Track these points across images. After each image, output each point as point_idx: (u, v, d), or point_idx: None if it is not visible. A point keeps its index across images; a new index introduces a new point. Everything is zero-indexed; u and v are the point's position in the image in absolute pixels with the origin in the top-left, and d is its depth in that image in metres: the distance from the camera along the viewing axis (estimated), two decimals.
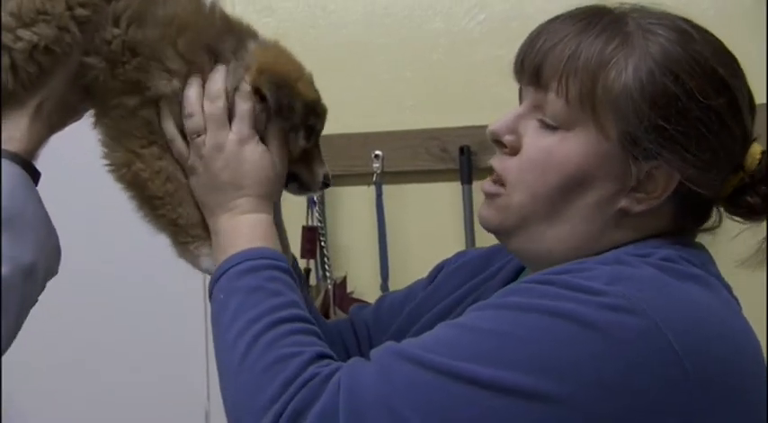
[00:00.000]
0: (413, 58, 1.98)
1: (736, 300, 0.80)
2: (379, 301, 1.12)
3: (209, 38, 0.85)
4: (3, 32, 0.76)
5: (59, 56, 0.79)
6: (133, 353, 2.13)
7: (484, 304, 0.74)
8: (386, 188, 1.93)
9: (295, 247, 1.83)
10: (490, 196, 0.83)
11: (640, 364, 0.65)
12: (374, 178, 1.92)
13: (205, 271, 0.86)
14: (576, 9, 0.80)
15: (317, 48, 1.96)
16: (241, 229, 0.83)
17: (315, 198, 1.86)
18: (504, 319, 0.69)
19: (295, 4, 2.04)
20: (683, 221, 0.81)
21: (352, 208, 1.96)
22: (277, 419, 0.67)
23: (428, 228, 1.90)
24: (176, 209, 0.84)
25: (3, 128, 0.77)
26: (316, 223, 1.88)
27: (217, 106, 0.84)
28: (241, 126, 0.84)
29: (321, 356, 0.72)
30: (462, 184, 1.84)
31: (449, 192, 1.88)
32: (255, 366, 0.70)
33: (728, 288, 0.80)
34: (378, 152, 1.90)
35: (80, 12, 0.79)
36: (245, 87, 0.84)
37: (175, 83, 0.83)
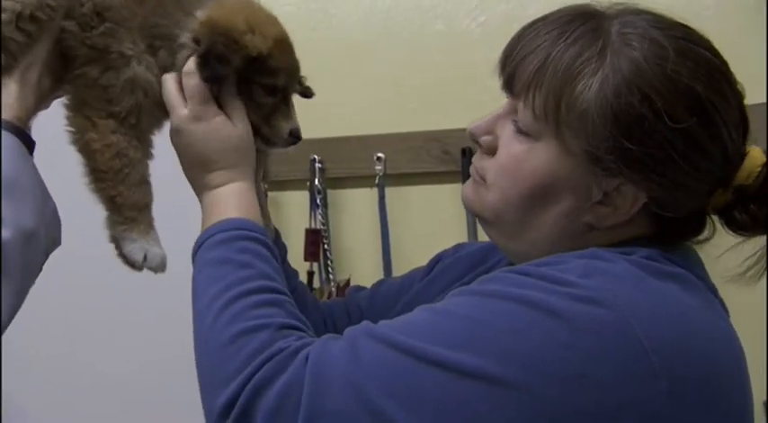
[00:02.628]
0: (414, 60, 1.98)
1: (722, 303, 0.79)
2: (376, 285, 1.12)
3: (166, 12, 0.83)
4: None
5: (44, 22, 0.79)
6: (135, 349, 2.13)
7: (462, 290, 0.74)
8: (388, 190, 1.93)
9: (299, 249, 1.84)
10: (474, 180, 0.84)
11: (605, 356, 0.64)
12: (376, 180, 1.91)
13: (127, 254, 0.85)
14: (561, 10, 0.79)
15: (318, 50, 1.95)
16: (218, 202, 0.83)
17: (318, 200, 1.86)
18: (476, 304, 0.70)
19: (296, 8, 2.05)
20: (667, 230, 0.79)
21: (355, 210, 1.96)
22: (241, 390, 0.67)
23: (431, 229, 1.89)
24: (117, 186, 0.83)
25: None
26: (319, 226, 1.88)
27: (167, 90, 0.84)
28: (192, 104, 0.83)
29: (286, 327, 0.72)
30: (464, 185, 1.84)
31: (451, 193, 1.87)
32: (221, 338, 0.71)
33: (714, 291, 0.79)
34: (380, 154, 1.90)
35: None
36: (190, 64, 0.82)
37: (138, 52, 0.82)
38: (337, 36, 2.04)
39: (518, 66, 0.77)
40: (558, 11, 0.79)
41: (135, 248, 0.84)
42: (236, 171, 0.84)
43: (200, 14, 0.82)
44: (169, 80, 0.83)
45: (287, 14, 1.93)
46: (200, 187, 0.86)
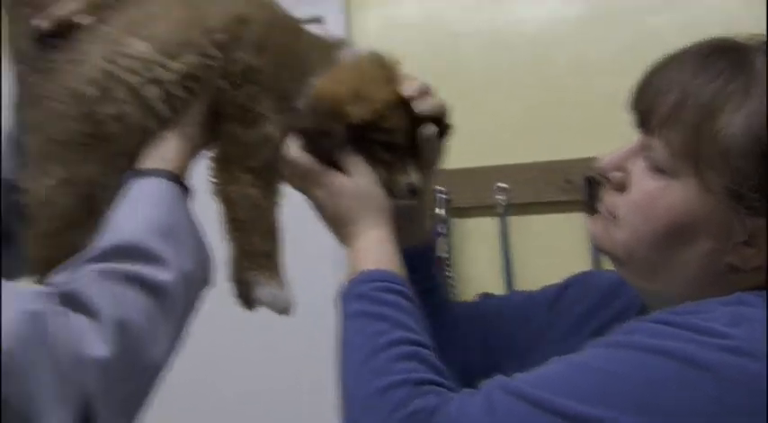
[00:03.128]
0: (536, 90, 2.01)
1: None
2: (505, 299, 1.09)
3: (295, 76, 0.88)
4: (153, 67, 0.82)
5: (203, 80, 0.84)
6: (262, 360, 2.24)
7: (598, 341, 0.72)
8: (511, 220, 1.96)
9: None
10: (604, 217, 0.81)
11: (755, 411, 0.61)
12: (499, 210, 1.95)
13: (257, 298, 0.89)
14: (698, 44, 0.76)
15: (442, 84, 2.01)
16: (356, 255, 0.84)
17: (441, 229, 1.92)
18: (613, 356, 0.67)
19: (421, 49, 2.11)
20: None
21: (478, 239, 2.00)
22: None
23: (553, 258, 1.90)
24: (250, 236, 0.87)
25: (158, 150, 0.83)
26: (443, 254, 1.92)
27: (289, 159, 0.87)
28: (309, 174, 0.86)
29: (425, 383, 0.70)
30: (588, 214, 1.83)
31: (573, 222, 1.89)
32: (362, 391, 0.71)
33: None
34: (502, 185, 1.94)
35: (219, 37, 0.84)
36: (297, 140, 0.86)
37: (274, 116, 0.86)
38: (460, 69, 2.10)
39: (653, 101, 0.74)
40: (696, 44, 0.76)
41: (264, 293, 0.87)
42: (367, 223, 0.84)
43: (314, 81, 0.86)
44: (291, 149, 0.87)
45: (412, 43, 1.99)
46: (341, 242, 0.88)
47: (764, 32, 0.75)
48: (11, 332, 0.62)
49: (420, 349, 0.73)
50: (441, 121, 0.88)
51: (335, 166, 0.85)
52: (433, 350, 0.75)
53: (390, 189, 0.86)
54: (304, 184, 0.86)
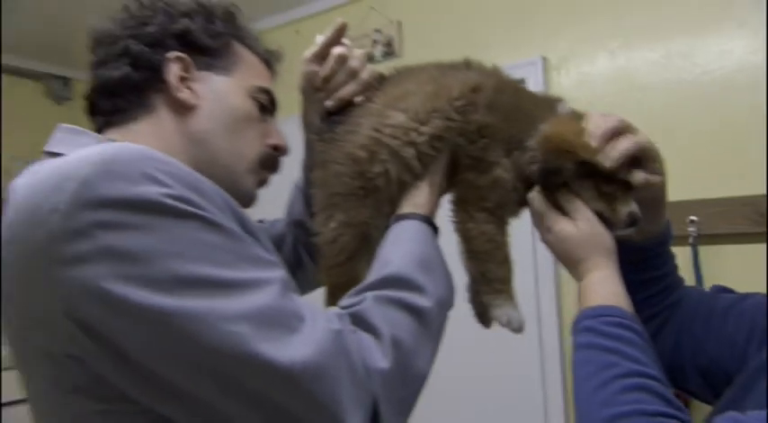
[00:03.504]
0: (722, 133, 2.04)
1: None
2: (713, 299, 1.00)
3: (521, 125, 0.92)
4: (409, 132, 0.90)
5: (446, 139, 0.91)
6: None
7: None
8: (702, 249, 1.99)
9: None
10: None
11: None
12: (690, 240, 1.99)
13: (493, 316, 0.92)
14: None
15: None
16: (584, 291, 0.86)
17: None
18: None
19: (611, 99, 2.24)
20: None
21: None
22: None
23: (746, 288, 1.87)
24: (487, 264, 0.92)
25: (413, 197, 0.91)
26: None
27: (531, 208, 0.92)
28: (540, 222, 0.91)
29: (659, 415, 0.69)
30: None
31: (763, 252, 1.88)
32: (597, 418, 0.71)
33: None
34: (693, 217, 1.99)
35: (458, 103, 0.91)
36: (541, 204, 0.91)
37: (504, 161, 0.92)
38: (650, 116, 2.17)
39: None
40: None
41: (500, 313, 0.91)
42: (592, 263, 0.86)
43: (543, 128, 0.91)
44: (534, 200, 0.92)
45: (603, 96, 2.05)
46: (574, 277, 0.90)
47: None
48: (322, 346, 0.68)
49: (647, 381, 0.73)
50: (640, 158, 0.89)
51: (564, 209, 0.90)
52: (663, 382, 0.74)
53: (608, 220, 0.89)
54: (538, 227, 0.92)
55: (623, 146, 0.86)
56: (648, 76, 2.21)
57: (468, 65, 0.97)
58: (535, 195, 0.92)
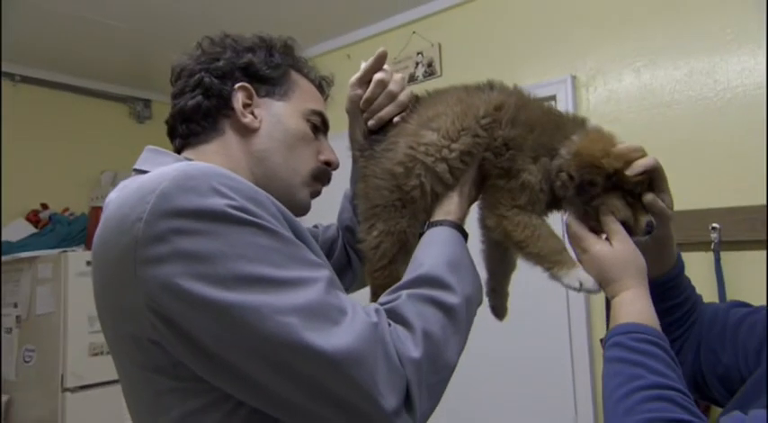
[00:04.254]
0: (744, 146, 2.05)
1: None
2: (727, 313, 1.01)
3: (547, 134, 0.95)
4: (442, 149, 0.94)
5: (474, 154, 0.95)
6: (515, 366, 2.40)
7: None
8: (723, 255, 2.00)
9: None
10: None
11: None
12: (712, 246, 2.00)
13: (567, 286, 0.91)
14: None
15: (656, 141, 2.09)
16: (616, 309, 0.87)
17: None
18: None
19: (637, 115, 2.27)
20: None
21: (690, 272, 2.02)
22: None
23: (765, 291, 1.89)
24: (536, 244, 0.92)
25: (444, 206, 0.95)
26: None
27: (569, 233, 0.92)
28: (578, 244, 0.92)
29: (674, 421, 0.70)
30: None
31: None
32: None
33: None
34: (715, 225, 2.00)
35: (485, 121, 0.95)
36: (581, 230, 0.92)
37: (530, 167, 0.95)
38: (674, 130, 2.19)
39: None
40: None
41: (570, 280, 0.90)
42: (623, 283, 0.87)
43: (575, 138, 0.94)
44: (572, 224, 0.93)
45: (629, 121, 2.01)
46: (606, 295, 0.90)
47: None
48: (361, 336, 0.72)
49: (670, 392, 0.73)
50: (654, 180, 0.92)
51: (599, 231, 0.91)
52: (686, 394, 0.74)
53: (631, 228, 0.91)
54: (574, 248, 0.93)
55: (645, 161, 0.89)
56: (673, 94, 2.23)
57: (491, 86, 1.01)
58: (572, 220, 0.94)
